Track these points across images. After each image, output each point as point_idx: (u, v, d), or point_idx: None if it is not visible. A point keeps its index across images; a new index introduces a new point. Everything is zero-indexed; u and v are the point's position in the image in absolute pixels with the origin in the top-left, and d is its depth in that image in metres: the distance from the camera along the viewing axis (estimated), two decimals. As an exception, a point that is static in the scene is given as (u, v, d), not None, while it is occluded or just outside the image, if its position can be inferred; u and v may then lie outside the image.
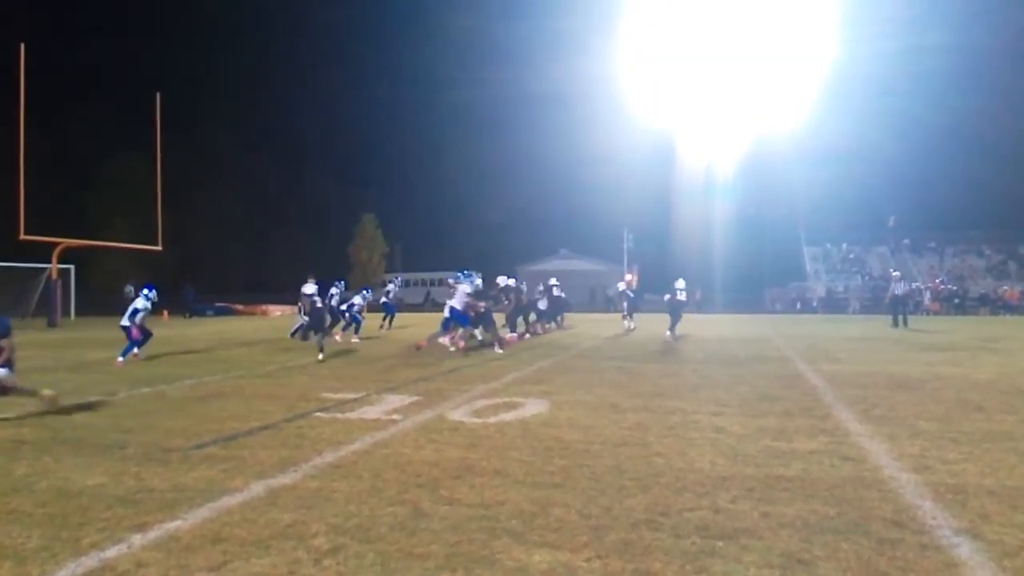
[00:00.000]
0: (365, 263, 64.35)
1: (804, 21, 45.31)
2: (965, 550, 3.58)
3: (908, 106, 62.33)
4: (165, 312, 37.37)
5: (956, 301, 42.90)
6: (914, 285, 38.93)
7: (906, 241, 57.22)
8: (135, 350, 13.78)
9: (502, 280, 19.11)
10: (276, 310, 42.62)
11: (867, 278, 52.79)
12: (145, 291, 14.20)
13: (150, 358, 13.96)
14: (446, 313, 15.39)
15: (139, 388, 9.54)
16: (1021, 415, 7.27)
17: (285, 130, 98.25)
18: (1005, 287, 46.27)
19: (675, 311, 19.79)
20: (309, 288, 15.51)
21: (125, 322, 13.80)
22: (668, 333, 18.94)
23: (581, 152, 73.94)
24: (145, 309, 13.93)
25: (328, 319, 16.72)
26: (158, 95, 33.33)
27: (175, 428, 6.78)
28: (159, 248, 34.54)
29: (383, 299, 24.58)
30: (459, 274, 16.68)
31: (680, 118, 53.20)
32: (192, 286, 39.64)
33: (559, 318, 23.65)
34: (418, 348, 15.43)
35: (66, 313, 32.39)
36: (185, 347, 17.00)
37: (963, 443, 5.96)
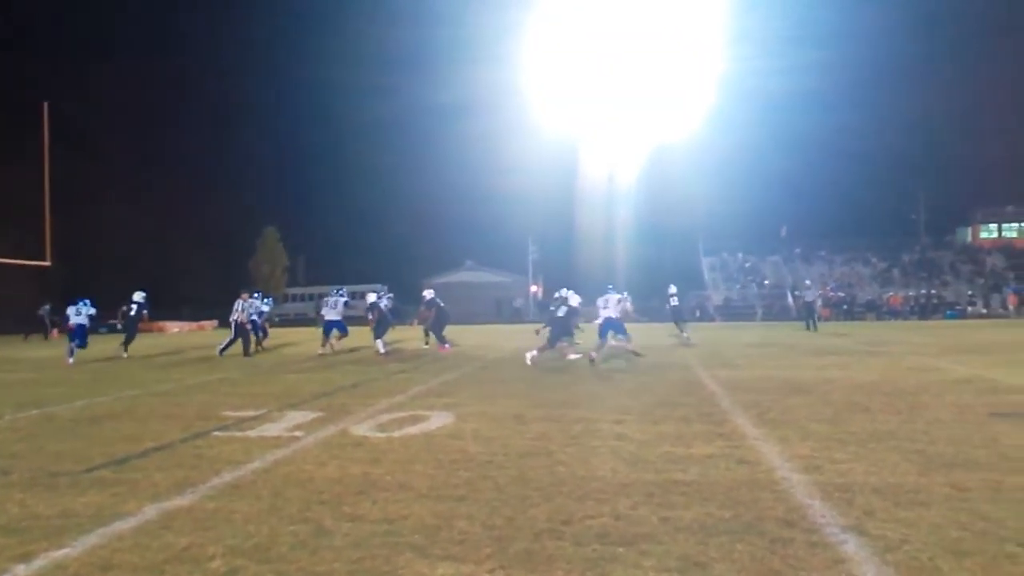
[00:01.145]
0: (267, 277, 63.11)
1: (698, 35, 46.70)
2: (851, 546, 3.74)
3: (796, 121, 65.25)
4: (55, 330, 35.76)
5: (845, 307, 44.81)
6: (820, 292, 40.56)
7: (797, 250, 59.58)
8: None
9: (371, 296, 19.69)
10: (173, 327, 41.35)
11: (762, 286, 54.67)
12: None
13: (37, 380, 13.32)
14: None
15: (26, 410, 9.10)
16: (904, 415, 7.63)
17: (181, 142, 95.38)
18: (890, 293, 48.67)
19: (678, 315, 22.45)
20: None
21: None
22: (684, 335, 21.16)
23: (486, 162, 74.57)
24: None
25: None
26: (45, 104, 31.97)
27: (64, 451, 6.49)
28: (48, 264, 33.04)
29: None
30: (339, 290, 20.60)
31: (582, 128, 54.02)
32: (50, 306, 37.83)
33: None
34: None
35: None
36: (75, 367, 16.30)
37: (850, 443, 6.22)
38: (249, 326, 18.87)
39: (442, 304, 20.91)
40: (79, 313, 18.91)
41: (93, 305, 19.09)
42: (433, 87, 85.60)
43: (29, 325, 36.52)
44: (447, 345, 19.76)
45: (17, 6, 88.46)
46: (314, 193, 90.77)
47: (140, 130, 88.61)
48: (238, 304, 18.79)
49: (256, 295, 21.75)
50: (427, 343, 21.58)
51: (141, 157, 75.64)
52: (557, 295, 16.77)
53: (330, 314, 19.51)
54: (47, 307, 37.29)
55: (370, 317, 18.72)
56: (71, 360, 17.37)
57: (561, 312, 15.65)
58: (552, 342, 15.28)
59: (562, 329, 15.60)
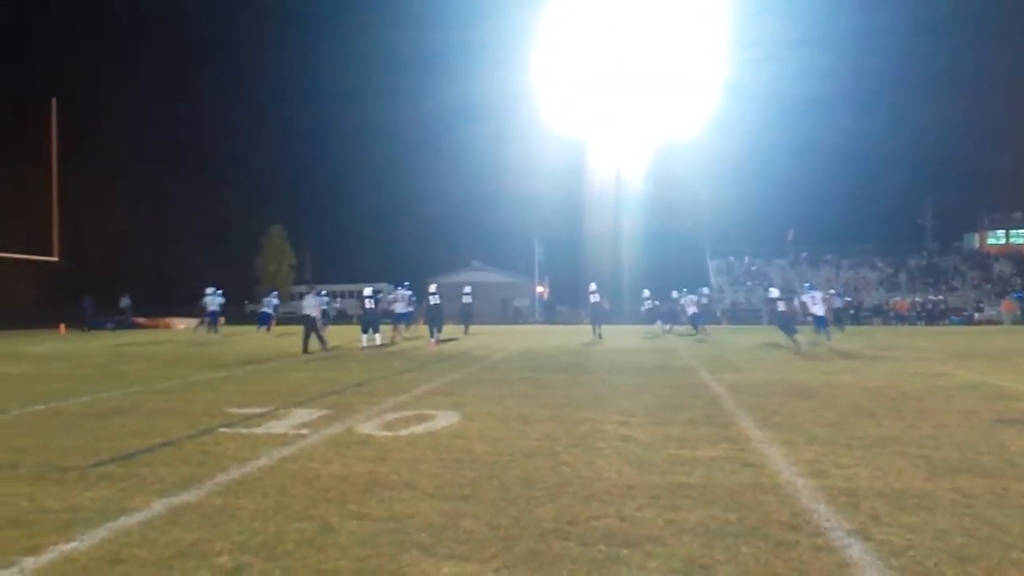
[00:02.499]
0: (273, 275, 63.23)
1: (705, 38, 46.73)
2: (856, 551, 3.75)
3: (804, 124, 65.11)
4: (62, 326, 35.91)
5: (851, 312, 44.69)
6: (848, 299, 40.67)
7: (804, 254, 59.49)
8: None
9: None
10: (180, 323, 41.42)
11: (768, 290, 54.54)
12: None
13: (46, 374, 13.38)
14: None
15: (33, 405, 9.14)
16: (909, 420, 7.63)
17: (189, 140, 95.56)
18: (896, 298, 48.55)
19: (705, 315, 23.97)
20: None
21: None
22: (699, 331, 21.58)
23: (493, 163, 74.57)
24: None
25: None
26: (54, 101, 32.10)
27: (71, 446, 6.53)
28: (55, 259, 33.17)
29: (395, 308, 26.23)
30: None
31: (590, 130, 54.14)
32: (92, 298, 38.14)
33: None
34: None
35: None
36: (83, 362, 16.36)
37: (856, 448, 6.22)
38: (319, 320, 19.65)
39: (438, 302, 22.58)
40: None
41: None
42: (442, 88, 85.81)
43: (82, 321, 36.75)
44: (434, 341, 21.42)
45: (25, 3, 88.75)
46: (321, 192, 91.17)
47: (147, 127, 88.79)
48: (308, 299, 19.35)
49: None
50: (466, 332, 26.61)
51: (148, 154, 75.75)
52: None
53: (399, 307, 24.18)
54: (90, 299, 37.58)
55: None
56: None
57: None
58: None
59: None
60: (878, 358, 16.14)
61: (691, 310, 28.46)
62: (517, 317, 54.13)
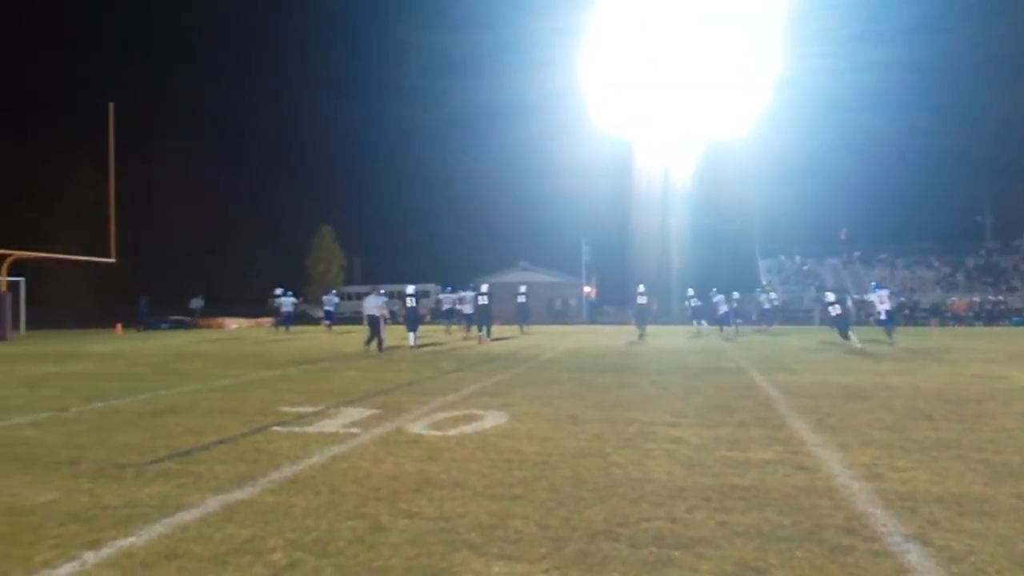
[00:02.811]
0: (323, 275, 63.92)
1: (757, 34, 46.14)
2: (914, 556, 3.67)
3: (858, 120, 63.77)
4: (119, 325, 36.73)
5: (906, 312, 43.79)
6: (901, 299, 39.97)
7: (857, 253, 58.35)
8: None
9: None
10: (232, 323, 42.09)
11: (821, 290, 53.66)
12: None
13: (104, 372, 13.70)
14: None
15: (92, 403, 9.37)
16: (968, 424, 7.45)
17: (243, 142, 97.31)
18: (953, 298, 47.41)
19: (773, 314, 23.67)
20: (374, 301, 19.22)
21: None
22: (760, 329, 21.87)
23: (540, 164, 74.48)
24: None
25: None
26: (111, 105, 32.91)
27: (129, 443, 6.68)
28: (112, 260, 33.98)
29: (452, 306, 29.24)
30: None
31: (637, 130, 53.77)
32: (147, 298, 39.00)
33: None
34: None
35: (16, 327, 31.66)
36: (139, 361, 16.73)
37: (913, 451, 6.09)
38: (387, 319, 20.00)
39: (487, 302, 23.38)
40: (286, 302, 31.65)
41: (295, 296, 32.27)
42: (488, 88, 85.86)
43: (138, 320, 37.70)
44: (483, 339, 22.44)
45: (82, 9, 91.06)
46: (370, 193, 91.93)
47: (202, 130, 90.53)
48: (368, 300, 19.61)
49: (288, 293, 32.11)
50: (523, 330, 27.60)
51: (202, 157, 77.26)
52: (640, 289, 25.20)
53: (467, 308, 25.61)
54: (145, 299, 38.51)
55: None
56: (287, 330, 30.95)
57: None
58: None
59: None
60: (935, 360, 15.78)
61: (722, 309, 28.67)
62: (560, 317, 53.96)
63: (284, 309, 32.25)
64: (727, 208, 63.55)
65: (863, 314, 37.94)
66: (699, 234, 60.73)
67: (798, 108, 57.88)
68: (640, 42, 48.20)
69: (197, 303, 41.62)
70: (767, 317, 29.55)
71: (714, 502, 4.60)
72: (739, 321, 30.10)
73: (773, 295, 22.90)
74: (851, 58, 55.38)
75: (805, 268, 57.73)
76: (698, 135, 53.31)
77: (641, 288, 25.94)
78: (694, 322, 31.26)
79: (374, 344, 18.53)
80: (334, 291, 38.10)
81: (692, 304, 31.66)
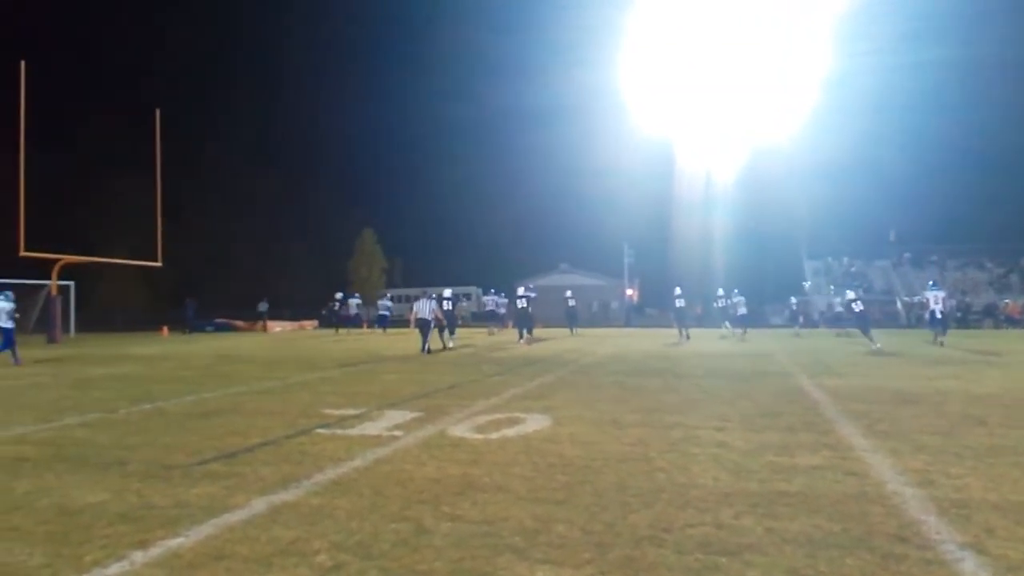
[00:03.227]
0: (364, 278, 64.39)
1: (803, 33, 45.53)
2: (970, 565, 3.56)
3: (908, 119, 62.46)
4: (164, 328, 37.37)
5: (958, 315, 42.81)
6: (953, 302, 39.18)
7: (907, 255, 57.21)
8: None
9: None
10: (276, 326, 42.58)
11: (870, 291, 52.73)
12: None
13: (152, 375, 13.93)
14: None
15: (140, 405, 9.53)
16: (1024, 429, 7.25)
17: (285, 146, 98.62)
18: (1007, 300, 46.25)
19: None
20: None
21: None
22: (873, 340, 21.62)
23: (581, 166, 74.31)
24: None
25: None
26: (158, 111, 33.51)
27: (176, 444, 6.77)
28: (159, 264, 34.60)
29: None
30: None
31: (679, 131, 53.37)
32: (194, 302, 39.65)
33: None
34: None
35: (66, 329, 32.38)
36: (186, 363, 16.99)
37: (967, 457, 5.94)
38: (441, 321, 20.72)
39: (526, 304, 24.62)
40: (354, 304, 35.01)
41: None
42: (529, 90, 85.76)
43: (184, 323, 38.47)
44: (523, 341, 23.42)
45: (128, 18, 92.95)
46: (411, 196, 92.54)
47: (246, 135, 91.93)
48: (420, 303, 20.03)
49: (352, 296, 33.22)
50: (573, 332, 28.53)
51: (245, 161, 78.44)
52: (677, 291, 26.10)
53: (501, 310, 28.07)
54: (193, 303, 39.24)
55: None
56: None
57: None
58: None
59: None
60: (988, 363, 15.41)
61: (741, 311, 29.75)
62: (601, 320, 53.65)
63: (380, 311, 35.12)
64: (772, 209, 62.72)
65: (912, 316, 37.35)
66: (743, 236, 60.13)
67: (845, 107, 56.86)
68: (683, 42, 47.86)
69: (263, 307, 42.40)
70: (744, 320, 29.87)
71: (761, 508, 4.52)
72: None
73: (850, 294, 22.63)
74: (900, 55, 54.26)
75: (853, 270, 56.76)
76: (742, 135, 52.75)
77: (678, 291, 26.46)
78: (725, 323, 31.66)
79: (438, 340, 19.24)
80: (389, 294, 39.54)
81: (720, 305, 32.12)
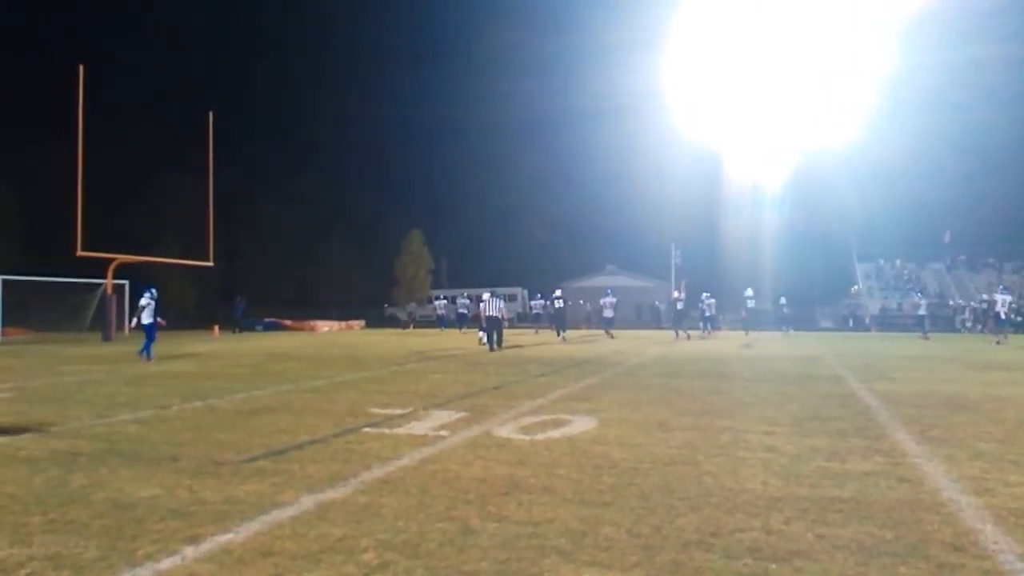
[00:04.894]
0: (411, 279, 64.77)
1: (858, 34, 44.77)
2: (1030, 576, 3.47)
3: (963, 119, 60.90)
4: (215, 327, 37.98)
5: (1018, 319, 41.70)
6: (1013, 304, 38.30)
7: (962, 257, 55.90)
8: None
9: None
10: (324, 325, 43.05)
11: (918, 295, 51.67)
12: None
13: (203, 372, 14.16)
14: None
15: (191, 402, 9.69)
16: (1086, 437, 7.03)
17: (333, 146, 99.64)
18: (1066, 304, 44.89)
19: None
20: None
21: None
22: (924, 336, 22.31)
23: (628, 167, 73.73)
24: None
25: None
26: (211, 114, 34.07)
27: (226, 441, 6.87)
28: (211, 264, 35.18)
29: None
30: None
31: (728, 132, 52.82)
32: (243, 301, 40.25)
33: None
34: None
35: (120, 327, 33.07)
36: (236, 361, 17.26)
37: (1025, 465, 5.78)
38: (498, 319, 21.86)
39: (562, 305, 26.57)
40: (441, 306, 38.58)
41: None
42: (576, 92, 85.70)
43: (234, 322, 39.15)
44: (561, 339, 25.03)
45: (180, 21, 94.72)
46: (458, 197, 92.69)
47: (296, 137, 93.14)
48: (487, 302, 21.57)
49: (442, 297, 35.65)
50: (611, 335, 28.63)
51: (294, 161, 79.48)
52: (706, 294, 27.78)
53: (607, 312, 29.21)
54: (242, 302, 39.90)
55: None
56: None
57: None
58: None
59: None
60: (1046, 369, 14.99)
61: (708, 313, 31.87)
62: (648, 322, 53.29)
63: (459, 311, 37.12)
64: (823, 211, 61.74)
65: (977, 319, 36.54)
66: (792, 237, 59.29)
67: (899, 107, 55.58)
68: (732, 44, 47.34)
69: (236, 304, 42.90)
70: (713, 321, 30.93)
71: (812, 514, 4.45)
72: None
73: (919, 296, 22.85)
74: (957, 53, 52.97)
75: (906, 273, 55.65)
76: (792, 137, 52.02)
77: (705, 295, 27.79)
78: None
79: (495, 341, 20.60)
80: (466, 293, 41.70)
81: (750, 305, 32.71)
